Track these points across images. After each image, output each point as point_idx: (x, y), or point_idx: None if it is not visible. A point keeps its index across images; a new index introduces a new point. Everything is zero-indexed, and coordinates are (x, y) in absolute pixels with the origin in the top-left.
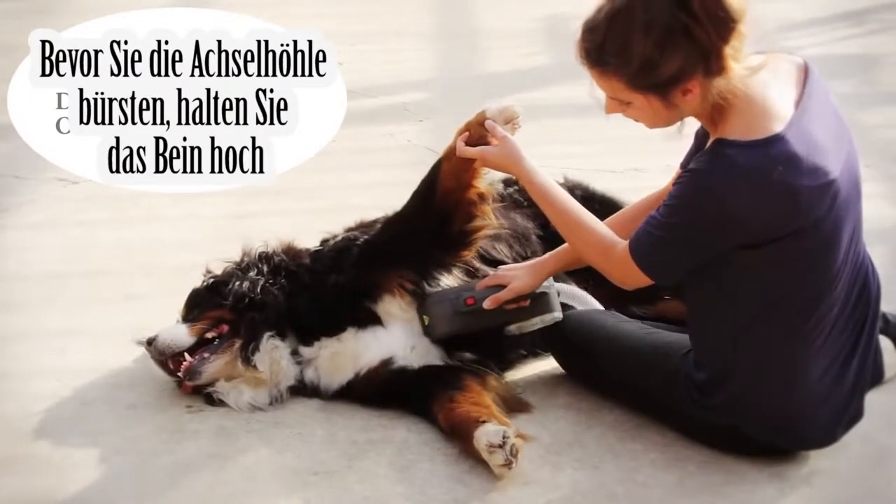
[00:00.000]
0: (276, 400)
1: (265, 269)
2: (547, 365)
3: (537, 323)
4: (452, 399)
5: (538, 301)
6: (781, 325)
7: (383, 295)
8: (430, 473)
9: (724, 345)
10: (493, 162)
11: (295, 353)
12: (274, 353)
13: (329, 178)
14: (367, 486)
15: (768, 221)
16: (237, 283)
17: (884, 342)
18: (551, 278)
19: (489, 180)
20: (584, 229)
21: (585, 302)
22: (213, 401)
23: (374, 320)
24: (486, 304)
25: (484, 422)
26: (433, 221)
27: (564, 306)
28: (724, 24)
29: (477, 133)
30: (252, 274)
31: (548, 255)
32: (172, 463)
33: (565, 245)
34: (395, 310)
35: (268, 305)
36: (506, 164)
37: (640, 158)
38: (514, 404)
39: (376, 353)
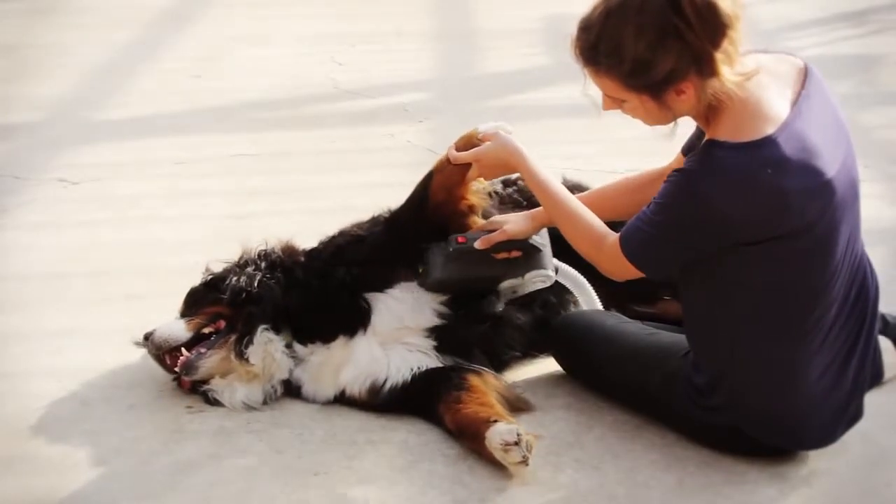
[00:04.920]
0: (270, 397)
1: (263, 265)
2: (547, 365)
3: (528, 284)
4: (459, 400)
5: (530, 255)
6: (778, 326)
7: (395, 285)
8: (430, 474)
9: (721, 346)
10: (489, 156)
11: (290, 346)
12: (268, 346)
13: (329, 178)
14: (367, 487)
15: (757, 223)
16: (234, 278)
17: (884, 343)
18: (549, 246)
19: (482, 188)
20: (576, 219)
21: (584, 290)
22: (211, 400)
23: (364, 323)
24: (478, 244)
25: (495, 421)
26: (426, 229)
27: (562, 287)
28: (716, 30)
29: (469, 145)
30: (249, 270)
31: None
32: (172, 463)
33: None
34: (393, 303)
35: (264, 299)
36: (502, 155)
37: (639, 159)
38: (515, 403)
39: (354, 372)
